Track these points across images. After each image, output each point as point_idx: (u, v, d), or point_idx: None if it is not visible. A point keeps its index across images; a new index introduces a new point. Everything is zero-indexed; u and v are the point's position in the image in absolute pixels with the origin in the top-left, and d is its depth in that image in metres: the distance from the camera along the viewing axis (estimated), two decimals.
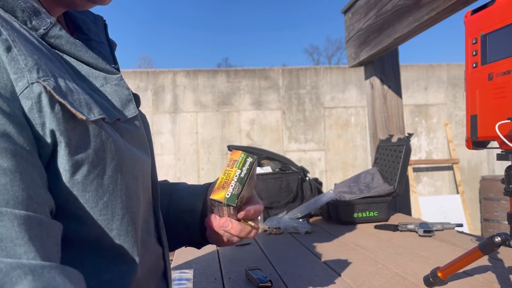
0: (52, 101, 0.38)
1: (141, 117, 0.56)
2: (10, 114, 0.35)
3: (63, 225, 0.38)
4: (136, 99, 0.54)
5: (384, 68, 2.29)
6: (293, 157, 4.60)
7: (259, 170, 1.91)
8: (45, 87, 0.38)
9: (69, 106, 0.39)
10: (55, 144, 0.39)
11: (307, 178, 1.91)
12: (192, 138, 4.62)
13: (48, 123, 0.38)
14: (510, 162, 0.74)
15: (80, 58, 0.48)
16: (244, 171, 0.57)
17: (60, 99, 0.38)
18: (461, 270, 0.90)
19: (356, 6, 2.23)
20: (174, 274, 1.01)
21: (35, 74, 0.38)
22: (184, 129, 4.62)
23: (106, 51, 0.58)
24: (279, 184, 1.80)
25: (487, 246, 0.77)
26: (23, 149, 0.35)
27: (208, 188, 0.68)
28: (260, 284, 0.90)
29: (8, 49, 0.37)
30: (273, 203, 1.77)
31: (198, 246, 0.72)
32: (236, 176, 0.56)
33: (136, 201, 0.48)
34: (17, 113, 0.36)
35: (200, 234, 0.67)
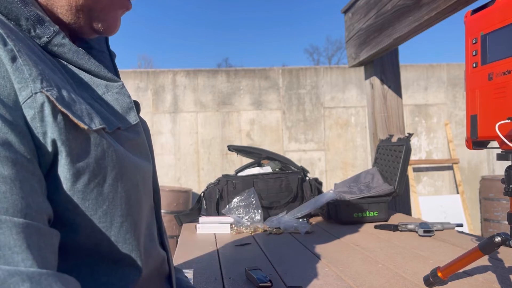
0: (55, 111, 0.39)
1: (142, 123, 0.56)
2: (12, 122, 0.36)
3: (61, 232, 0.38)
4: (137, 106, 0.54)
5: (384, 68, 2.29)
6: (293, 157, 4.60)
7: (259, 170, 1.91)
8: (48, 97, 0.38)
9: (71, 116, 0.39)
10: (56, 153, 0.39)
11: (307, 178, 1.91)
12: (192, 138, 4.62)
13: (49, 132, 0.38)
14: (510, 162, 0.74)
15: (82, 66, 0.48)
16: None
17: (63, 109, 0.39)
18: (461, 270, 0.90)
19: (356, 6, 2.23)
20: None
21: (39, 84, 0.38)
22: (184, 129, 4.62)
23: (107, 60, 0.59)
24: (279, 184, 1.80)
25: (487, 246, 0.77)
26: (23, 157, 0.36)
27: None
28: (260, 284, 0.90)
29: (13, 59, 0.37)
30: (273, 203, 1.77)
31: None
32: None
33: (137, 208, 0.48)
34: (19, 122, 0.36)
35: None
